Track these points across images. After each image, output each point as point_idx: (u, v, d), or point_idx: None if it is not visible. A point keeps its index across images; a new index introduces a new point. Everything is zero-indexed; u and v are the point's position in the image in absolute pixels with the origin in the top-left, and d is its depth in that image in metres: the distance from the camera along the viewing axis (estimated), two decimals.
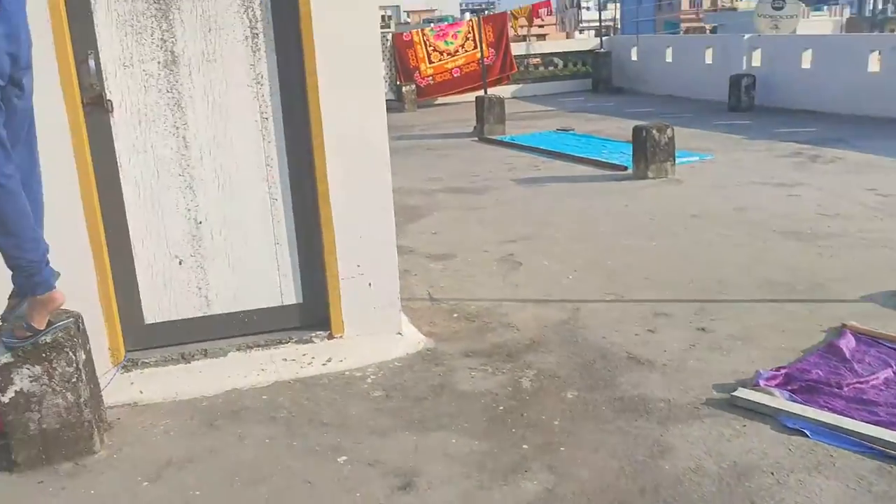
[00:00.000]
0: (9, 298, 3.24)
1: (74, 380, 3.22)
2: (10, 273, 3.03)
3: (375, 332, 4.23)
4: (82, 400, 3.25)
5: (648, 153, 8.38)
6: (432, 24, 26.22)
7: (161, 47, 3.72)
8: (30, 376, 3.16)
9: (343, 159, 3.98)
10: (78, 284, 3.30)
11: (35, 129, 3.08)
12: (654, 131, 8.38)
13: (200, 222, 3.95)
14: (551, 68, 19.15)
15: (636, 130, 8.53)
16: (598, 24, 22.38)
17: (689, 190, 7.92)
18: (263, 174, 3.98)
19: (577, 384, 3.75)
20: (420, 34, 16.77)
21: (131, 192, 3.84)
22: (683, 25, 50.97)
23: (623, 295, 4.95)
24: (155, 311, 4.01)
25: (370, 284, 4.19)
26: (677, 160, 8.65)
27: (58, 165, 3.50)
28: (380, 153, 4.04)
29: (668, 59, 16.97)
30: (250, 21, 3.81)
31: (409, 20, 48.91)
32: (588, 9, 37.84)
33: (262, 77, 3.87)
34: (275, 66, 3.88)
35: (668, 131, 8.45)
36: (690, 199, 7.45)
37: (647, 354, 4.04)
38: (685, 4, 63.34)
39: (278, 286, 4.15)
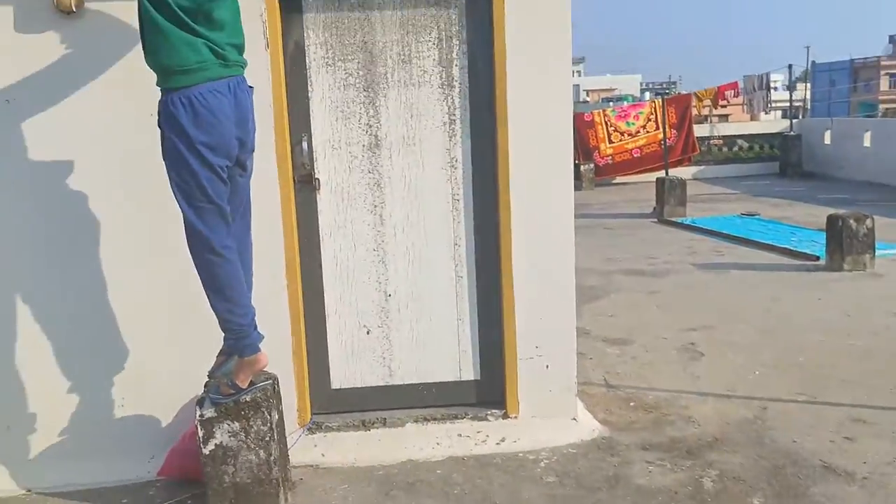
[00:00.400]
0: (217, 356, 3.53)
1: (267, 438, 3.42)
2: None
3: (550, 415, 4.19)
4: (272, 458, 3.44)
5: (844, 243, 7.88)
6: (611, 104, 26.28)
7: (367, 131, 4.00)
8: (229, 432, 3.39)
9: (529, 241, 4.05)
10: (275, 348, 3.52)
11: (250, 203, 3.40)
12: (852, 220, 7.89)
13: (390, 295, 4.13)
14: (735, 150, 18.58)
15: (831, 219, 8.06)
16: (786, 105, 21.53)
17: (890, 285, 7.34)
18: (451, 253, 4.13)
19: (765, 490, 3.52)
20: (601, 115, 16.86)
21: (329, 264, 4.09)
22: (882, 107, 47.97)
23: (816, 396, 4.63)
24: (341, 377, 4.20)
25: (547, 367, 4.18)
26: (877, 252, 8.07)
27: (268, 237, 3.81)
28: (565, 237, 4.08)
29: (867, 143, 16.00)
30: (449, 108, 4.01)
31: (587, 99, 49.32)
32: (776, 89, 36.60)
33: (456, 161, 4.05)
34: (469, 150, 4.05)
35: (868, 221, 7.93)
36: (892, 296, 6.89)
37: (844, 465, 3.73)
38: (884, 85, 59.65)
39: (457, 361, 4.23)
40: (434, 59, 3.97)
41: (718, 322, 6.26)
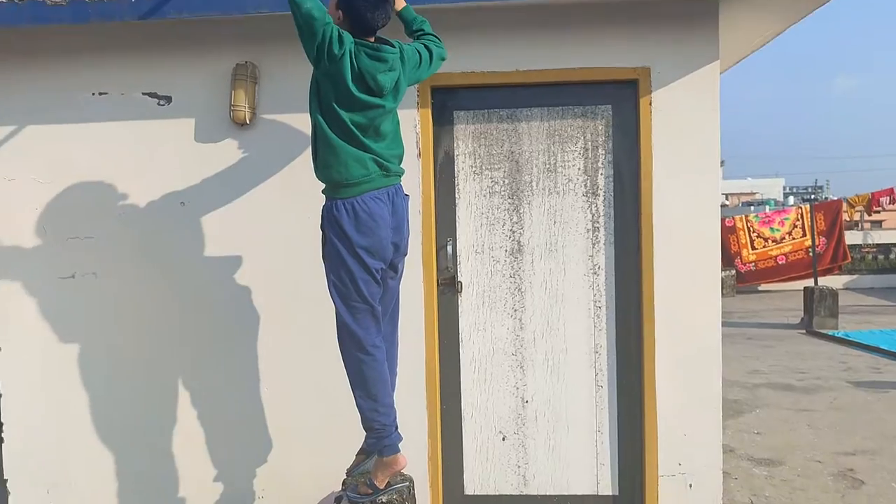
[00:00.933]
0: (357, 454, 3.58)
1: None
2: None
3: None
4: None
5: None
6: (752, 208, 25.50)
7: (510, 237, 4.07)
8: None
9: (673, 352, 3.94)
10: (411, 449, 3.53)
11: (399, 305, 3.50)
12: None
13: (527, 401, 4.09)
14: (891, 258, 17.50)
15: None
16: None
17: None
18: (591, 360, 4.06)
19: None
20: (743, 220, 16.38)
21: (468, 367, 4.11)
22: None
23: None
24: (475, 483, 4.15)
25: (690, 486, 3.97)
26: None
27: (409, 337, 3.89)
28: (711, 349, 3.94)
29: None
30: (592, 216, 4.03)
31: (727, 203, 48.13)
32: None
33: (599, 267, 4.04)
34: (612, 257, 4.03)
35: None
36: None
37: None
38: None
39: (595, 474, 4.09)
40: (579, 168, 4.03)
41: (880, 447, 5.77)
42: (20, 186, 4.12)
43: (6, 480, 4.20)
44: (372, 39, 3.15)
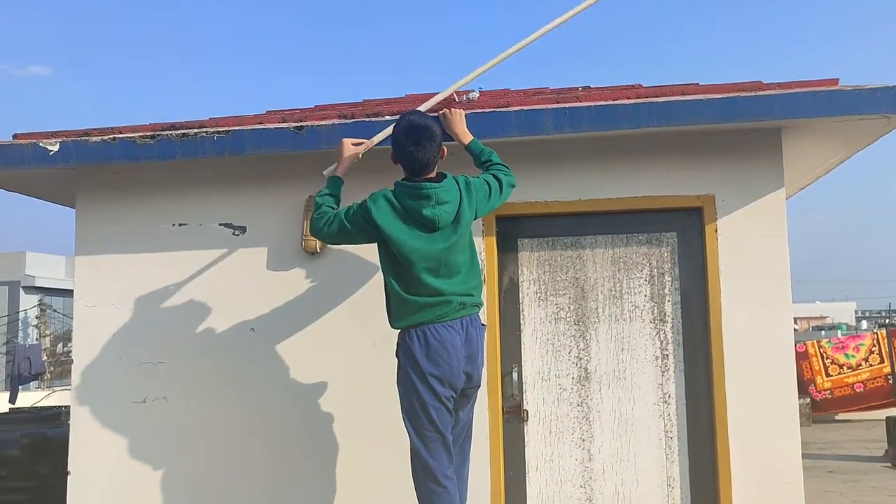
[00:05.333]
0: None
1: None
2: None
3: None
4: None
5: None
6: (823, 332, 24.70)
7: (576, 364, 4.02)
8: None
9: (751, 487, 3.77)
10: None
11: (471, 436, 3.45)
12: None
13: None
14: None
15: None
16: None
17: None
18: (664, 495, 3.90)
19: None
20: (815, 346, 15.82)
21: (534, 499, 3.98)
22: None
23: None
24: None
25: None
26: None
27: (474, 467, 3.78)
28: (793, 484, 3.76)
29: None
30: (661, 343, 3.97)
31: (796, 327, 46.70)
32: None
33: (669, 396, 3.94)
34: (682, 385, 3.94)
35: None
36: None
37: None
38: None
39: None
40: (645, 295, 4.01)
41: None
42: (100, 312, 4.28)
43: None
44: (433, 175, 3.27)
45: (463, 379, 3.23)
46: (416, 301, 3.20)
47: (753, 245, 3.90)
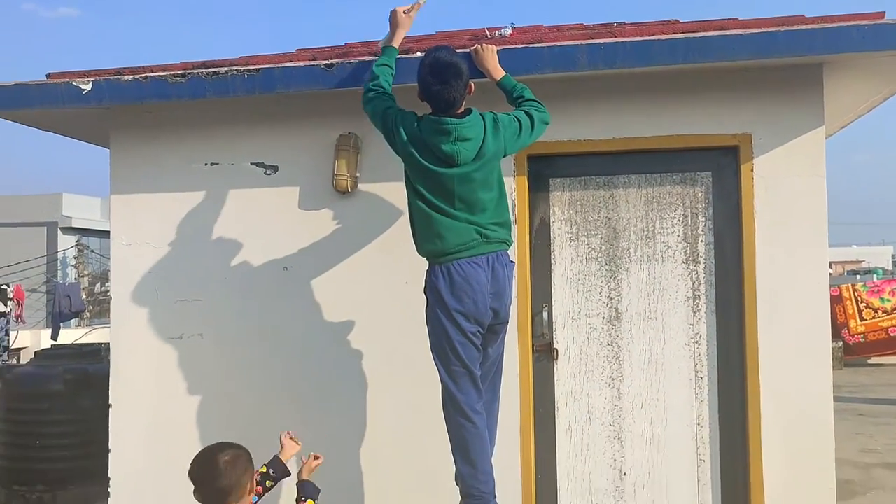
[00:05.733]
0: None
1: None
2: None
3: None
4: None
5: None
6: (858, 277, 24.42)
7: (607, 304, 4.02)
8: None
9: (780, 426, 3.77)
10: None
11: (501, 373, 3.49)
12: None
13: (625, 474, 3.97)
14: None
15: None
16: None
17: None
18: (693, 433, 3.92)
19: None
20: (850, 289, 15.64)
21: (563, 436, 4.03)
22: None
23: None
24: None
25: None
26: None
27: (504, 404, 3.83)
28: (823, 423, 3.75)
29: None
30: (693, 283, 3.95)
31: (831, 271, 46.07)
32: None
33: (700, 336, 3.93)
34: (714, 326, 3.92)
35: None
36: None
37: None
38: None
39: None
40: (678, 235, 3.97)
41: None
42: (136, 251, 4.35)
43: None
44: (460, 111, 3.24)
45: (490, 315, 3.25)
46: (437, 229, 3.23)
47: (790, 185, 3.83)
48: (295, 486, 3.11)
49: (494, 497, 3.29)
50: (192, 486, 2.77)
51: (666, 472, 3.94)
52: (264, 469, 3.07)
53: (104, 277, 23.29)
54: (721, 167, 3.95)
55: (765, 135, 3.85)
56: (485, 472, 3.26)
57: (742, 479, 3.85)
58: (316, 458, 3.18)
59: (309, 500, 3.05)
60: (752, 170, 3.84)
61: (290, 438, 3.22)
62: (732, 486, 3.88)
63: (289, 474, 3.13)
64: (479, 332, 3.25)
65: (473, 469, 3.25)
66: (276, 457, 3.14)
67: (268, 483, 3.06)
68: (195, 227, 4.29)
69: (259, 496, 2.97)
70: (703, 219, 3.96)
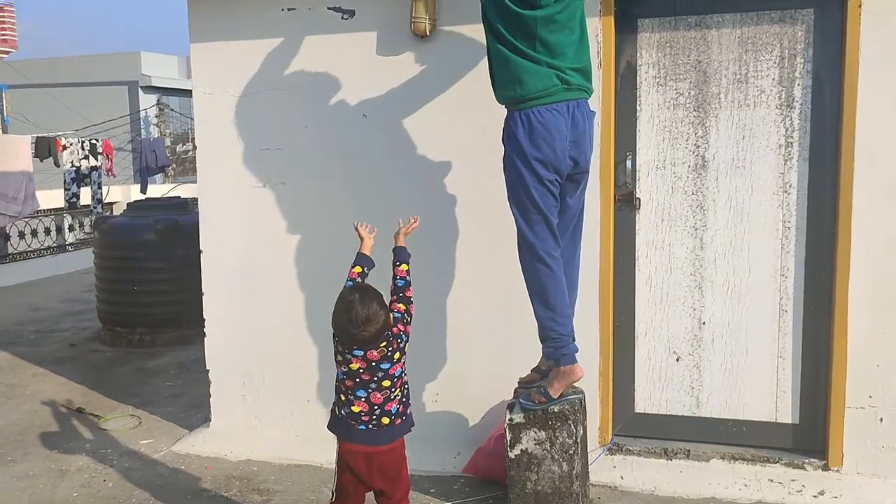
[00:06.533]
0: (531, 371, 3.65)
1: (571, 452, 3.45)
2: None
3: (881, 474, 3.75)
4: (574, 472, 3.46)
5: None
6: None
7: (693, 152, 3.89)
8: (535, 440, 3.47)
9: (869, 277, 3.67)
10: (582, 364, 3.52)
11: (582, 223, 3.48)
12: None
13: (704, 323, 3.97)
14: None
15: None
16: None
17: None
18: (776, 284, 3.87)
19: None
20: None
21: (643, 285, 4.03)
22: None
23: None
24: (646, 402, 4.11)
25: (881, 420, 3.74)
26: None
27: (584, 253, 3.83)
28: None
29: None
30: (786, 130, 3.77)
31: None
32: None
33: (790, 186, 3.80)
34: (806, 175, 3.77)
35: None
36: None
37: None
38: None
39: (774, 401, 3.94)
40: (773, 79, 3.76)
41: None
42: (217, 100, 4.39)
43: (208, 371, 4.62)
44: None
45: (568, 164, 3.22)
46: (516, 74, 3.16)
47: None
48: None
49: (573, 339, 3.36)
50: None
51: (746, 321, 3.92)
52: (359, 269, 3.17)
53: (185, 137, 23.84)
54: (824, 3, 3.66)
55: None
56: (563, 315, 3.32)
57: (825, 330, 3.81)
58: (414, 220, 3.33)
59: (403, 265, 3.17)
60: (859, 5, 3.55)
61: (366, 229, 3.31)
62: (815, 336, 3.84)
63: (374, 265, 3.24)
64: (556, 180, 3.23)
65: (552, 311, 3.31)
66: (359, 253, 3.24)
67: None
68: (273, 75, 4.29)
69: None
70: (802, 60, 3.73)
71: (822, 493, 3.71)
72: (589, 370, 3.92)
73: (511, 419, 3.49)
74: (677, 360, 4.04)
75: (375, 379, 2.87)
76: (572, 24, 3.19)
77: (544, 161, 3.17)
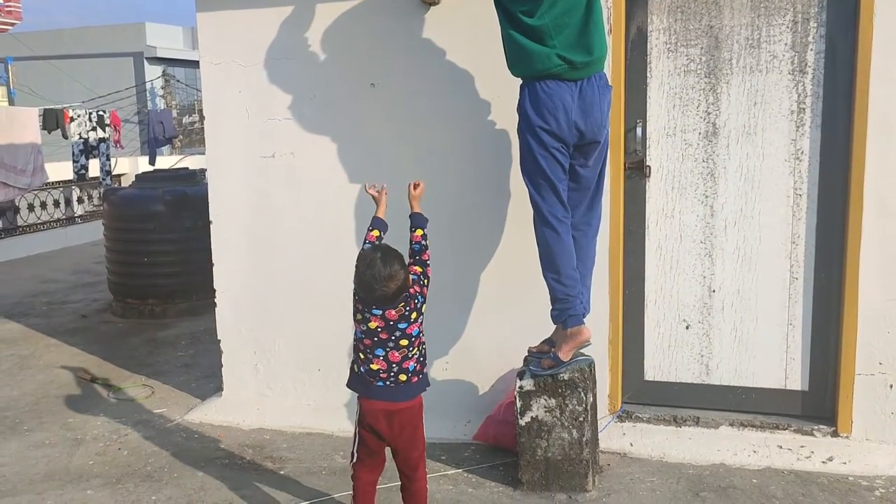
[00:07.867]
0: (541, 342, 3.66)
1: (581, 419, 3.47)
2: None
3: (890, 440, 3.77)
4: (584, 439, 3.49)
5: None
6: None
7: (704, 119, 3.86)
8: (545, 407, 3.49)
9: (881, 245, 3.66)
10: (592, 332, 3.53)
11: (601, 194, 3.53)
12: None
13: (714, 291, 3.97)
14: None
15: None
16: None
17: None
18: (787, 251, 3.85)
19: None
20: None
21: (653, 253, 4.03)
22: None
23: None
24: (656, 369, 4.13)
25: (891, 386, 3.75)
26: None
27: None
28: None
29: None
30: (798, 96, 3.74)
31: None
32: None
33: (801, 153, 3.77)
34: (818, 142, 3.74)
35: None
36: None
37: None
38: None
39: (784, 368, 3.95)
40: (786, 44, 3.72)
41: None
42: (225, 70, 4.37)
43: (220, 341, 4.65)
44: None
45: (574, 134, 3.28)
46: (525, 46, 3.23)
47: None
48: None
49: (581, 303, 3.40)
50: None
51: (756, 288, 3.92)
52: (377, 233, 3.21)
53: (191, 109, 23.79)
54: None
55: None
56: (569, 277, 3.39)
57: (836, 297, 3.81)
58: (416, 186, 3.32)
59: (418, 230, 3.20)
60: None
61: (378, 191, 3.32)
62: (825, 303, 3.84)
63: (388, 228, 3.27)
64: (561, 148, 3.29)
65: (557, 273, 3.39)
66: (374, 217, 3.27)
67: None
68: (280, 45, 4.26)
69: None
70: (815, 24, 3.68)
71: (830, 459, 3.72)
72: (599, 338, 3.94)
73: (521, 387, 3.51)
74: (687, 327, 4.04)
75: (393, 338, 2.92)
76: (578, 3, 3.22)
77: (549, 130, 3.26)
